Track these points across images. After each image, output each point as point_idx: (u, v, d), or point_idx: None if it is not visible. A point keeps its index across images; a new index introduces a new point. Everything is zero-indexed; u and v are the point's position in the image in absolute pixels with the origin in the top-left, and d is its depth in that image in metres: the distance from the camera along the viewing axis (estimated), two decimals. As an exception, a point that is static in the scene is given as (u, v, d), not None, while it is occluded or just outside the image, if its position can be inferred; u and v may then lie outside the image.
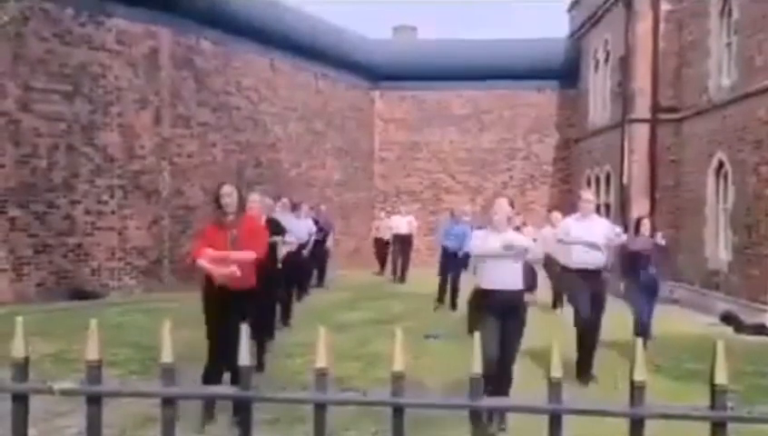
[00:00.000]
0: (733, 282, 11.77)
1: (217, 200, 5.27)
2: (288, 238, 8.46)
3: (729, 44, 12.32)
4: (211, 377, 5.20)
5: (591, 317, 6.76)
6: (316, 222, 12.74)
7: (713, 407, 1.71)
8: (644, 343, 7.66)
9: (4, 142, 10.90)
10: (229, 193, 5.22)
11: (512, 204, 5.45)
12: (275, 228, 7.34)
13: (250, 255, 5.18)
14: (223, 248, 5.15)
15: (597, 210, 8.02)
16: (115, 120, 12.41)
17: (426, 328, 9.22)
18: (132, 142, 12.66)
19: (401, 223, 16.54)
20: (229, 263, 5.08)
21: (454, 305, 11.28)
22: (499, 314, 5.19)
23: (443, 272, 11.74)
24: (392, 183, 20.71)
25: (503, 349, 5.23)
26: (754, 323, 10.26)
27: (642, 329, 7.73)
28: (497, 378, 5.22)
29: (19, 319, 1.85)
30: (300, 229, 10.62)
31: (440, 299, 11.68)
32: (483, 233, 5.47)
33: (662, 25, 14.17)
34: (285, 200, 10.82)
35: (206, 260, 5.12)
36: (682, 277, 13.33)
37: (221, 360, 5.22)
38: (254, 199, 6.78)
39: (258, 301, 5.54)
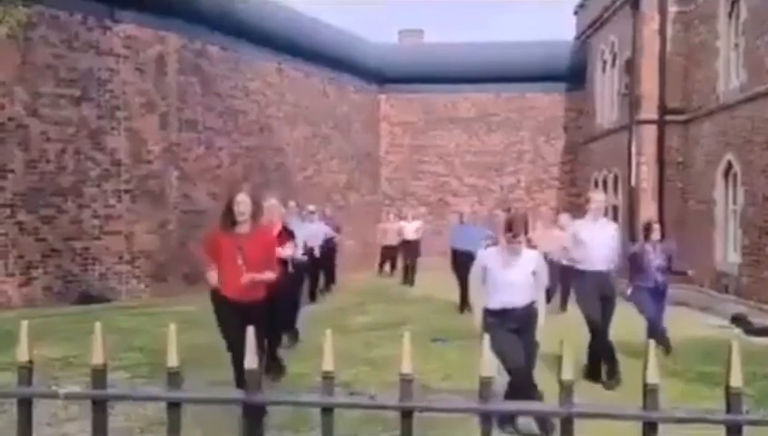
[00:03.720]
0: (743, 284, 11.69)
1: (230, 207, 5.14)
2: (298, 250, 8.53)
3: (737, 45, 12.25)
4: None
5: (602, 321, 6.71)
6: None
7: (729, 411, 1.67)
8: (666, 349, 7.59)
9: (12, 147, 10.95)
10: (243, 202, 5.08)
11: (526, 221, 5.28)
12: (290, 237, 7.17)
13: (269, 276, 5.17)
14: (233, 259, 5.06)
15: (605, 212, 7.89)
16: (123, 124, 12.44)
17: (433, 332, 9.18)
18: (139, 146, 12.69)
19: (408, 230, 16.60)
20: (242, 277, 5.04)
21: (462, 308, 11.26)
22: (510, 329, 5.09)
23: (458, 275, 11.67)
24: (399, 187, 20.69)
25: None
26: (765, 326, 10.17)
27: (658, 333, 7.62)
28: (515, 387, 5.14)
29: (24, 323, 1.84)
30: (314, 234, 10.90)
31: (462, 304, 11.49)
32: (494, 253, 5.36)
33: (669, 27, 14.10)
34: (292, 203, 10.80)
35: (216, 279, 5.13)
36: (691, 279, 13.24)
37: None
38: (273, 203, 6.64)
39: (268, 309, 5.46)
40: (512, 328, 5.10)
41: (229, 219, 5.13)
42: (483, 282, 5.26)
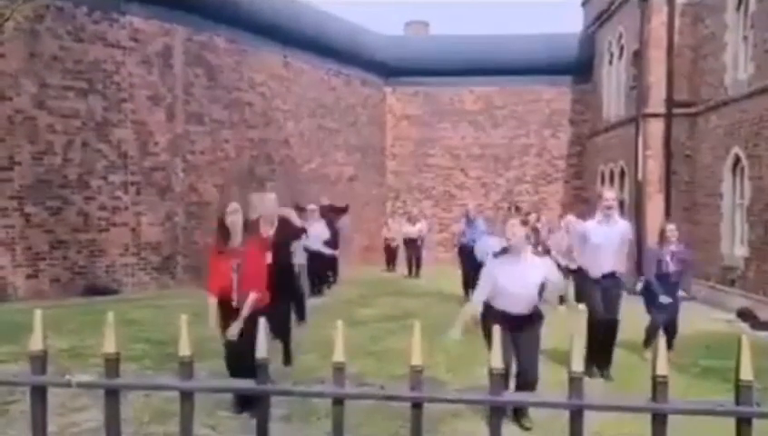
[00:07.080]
0: (749, 278, 11.65)
1: (222, 220, 5.15)
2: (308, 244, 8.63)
3: (746, 38, 12.18)
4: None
5: (606, 314, 6.69)
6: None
7: (738, 403, 1.67)
8: (670, 342, 7.51)
9: (19, 139, 10.97)
10: (235, 211, 5.14)
11: (525, 222, 5.17)
12: (287, 228, 7.11)
13: (253, 298, 5.04)
14: (228, 275, 5.06)
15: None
16: (129, 116, 12.46)
17: (438, 325, 9.18)
18: (145, 138, 12.72)
19: (412, 230, 17.20)
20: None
21: (466, 293, 11.49)
22: (512, 327, 5.04)
23: (464, 269, 11.89)
24: (404, 180, 20.67)
25: (521, 356, 5.13)
26: (771, 320, 10.14)
27: (656, 331, 7.60)
28: (519, 384, 5.15)
29: (38, 312, 1.85)
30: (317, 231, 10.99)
31: (466, 293, 11.78)
32: (500, 262, 5.20)
33: (677, 19, 14.02)
34: (312, 206, 10.74)
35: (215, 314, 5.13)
36: (698, 273, 13.21)
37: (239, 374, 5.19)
38: (270, 198, 6.69)
39: (273, 312, 5.42)
40: (511, 326, 5.00)
41: (223, 232, 5.17)
42: (489, 286, 5.17)
